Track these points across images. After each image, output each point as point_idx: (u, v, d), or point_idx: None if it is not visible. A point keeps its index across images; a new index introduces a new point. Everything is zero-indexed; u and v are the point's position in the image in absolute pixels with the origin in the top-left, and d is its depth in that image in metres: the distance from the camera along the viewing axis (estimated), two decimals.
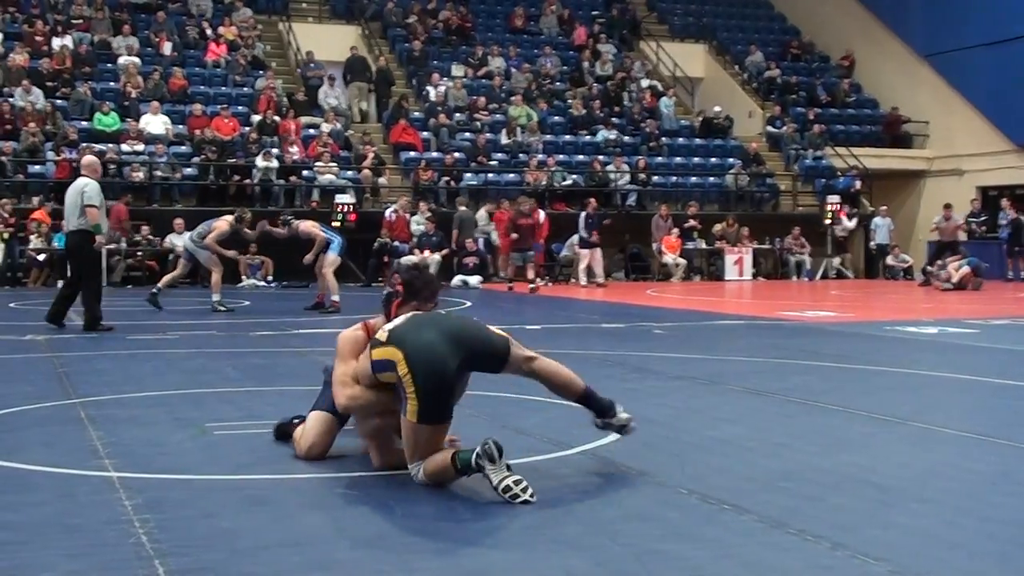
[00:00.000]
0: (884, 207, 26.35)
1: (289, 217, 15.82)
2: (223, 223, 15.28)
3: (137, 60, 25.18)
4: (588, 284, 21.66)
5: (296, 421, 5.75)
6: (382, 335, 4.91)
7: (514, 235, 20.74)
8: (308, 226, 15.28)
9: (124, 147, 22.75)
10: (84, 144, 22.32)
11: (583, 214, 21.85)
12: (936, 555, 3.93)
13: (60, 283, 16.00)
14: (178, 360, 9.76)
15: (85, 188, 11.97)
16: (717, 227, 24.93)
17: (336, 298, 14.87)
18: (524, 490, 4.55)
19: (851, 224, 25.96)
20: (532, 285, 20.12)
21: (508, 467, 4.60)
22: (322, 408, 5.48)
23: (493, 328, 5.04)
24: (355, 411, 5.20)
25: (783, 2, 34.08)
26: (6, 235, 20.08)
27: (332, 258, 14.97)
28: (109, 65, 25.39)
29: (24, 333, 11.66)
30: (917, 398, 7.83)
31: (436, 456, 4.76)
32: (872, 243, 25.75)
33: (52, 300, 12.48)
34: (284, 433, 5.82)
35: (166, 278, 15.77)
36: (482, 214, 23.02)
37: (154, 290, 15.14)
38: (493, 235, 23.00)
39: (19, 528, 4.21)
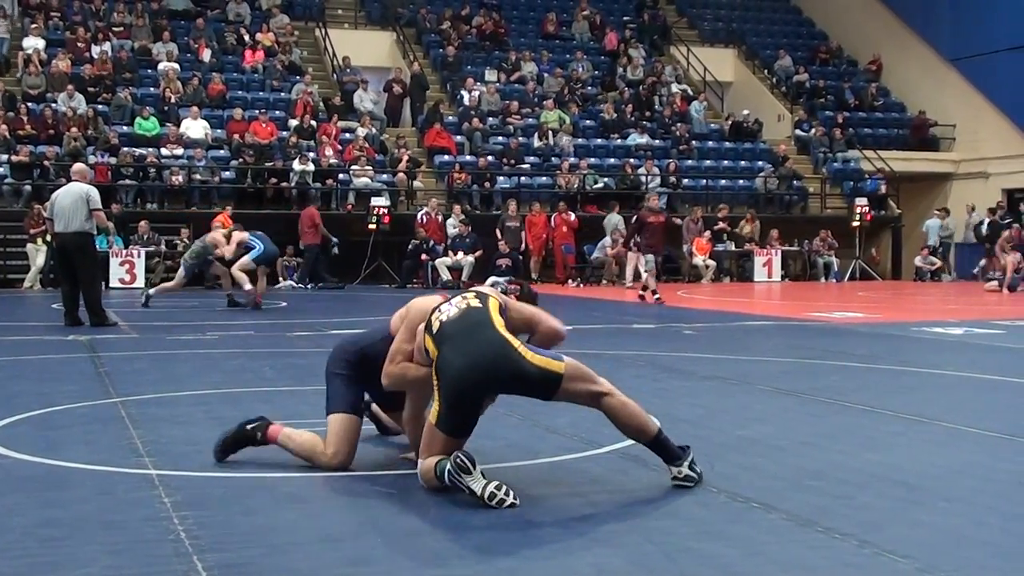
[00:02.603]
0: (938, 210, 26.39)
1: (234, 229, 16.25)
2: (218, 236, 15.93)
3: (176, 66, 25.47)
4: (633, 285, 21.75)
5: (250, 427, 5.32)
6: (435, 322, 4.80)
7: (637, 236, 18.04)
8: (239, 236, 15.73)
9: (164, 151, 23.04)
10: (125, 148, 22.66)
11: (635, 218, 21.85)
12: (963, 553, 3.95)
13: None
14: (217, 360, 9.88)
15: (90, 193, 12.67)
16: (746, 229, 24.96)
17: (257, 296, 15.46)
18: (507, 494, 4.50)
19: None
20: (643, 294, 17.67)
21: (483, 474, 4.55)
22: (339, 410, 5.25)
23: (548, 358, 4.69)
24: (395, 388, 5.15)
25: (811, 7, 34.03)
26: (48, 237, 20.33)
27: (244, 261, 15.50)
28: (149, 71, 25.71)
29: (67, 334, 11.85)
30: (944, 398, 7.86)
31: (428, 461, 4.73)
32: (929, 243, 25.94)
33: (63, 305, 12.91)
34: (235, 442, 5.33)
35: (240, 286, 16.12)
36: (615, 218, 23.00)
37: (229, 294, 15.73)
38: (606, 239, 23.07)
39: (61, 524, 4.27)
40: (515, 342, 4.72)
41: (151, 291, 16.28)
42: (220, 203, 22.53)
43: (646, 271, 17.78)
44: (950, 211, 26.86)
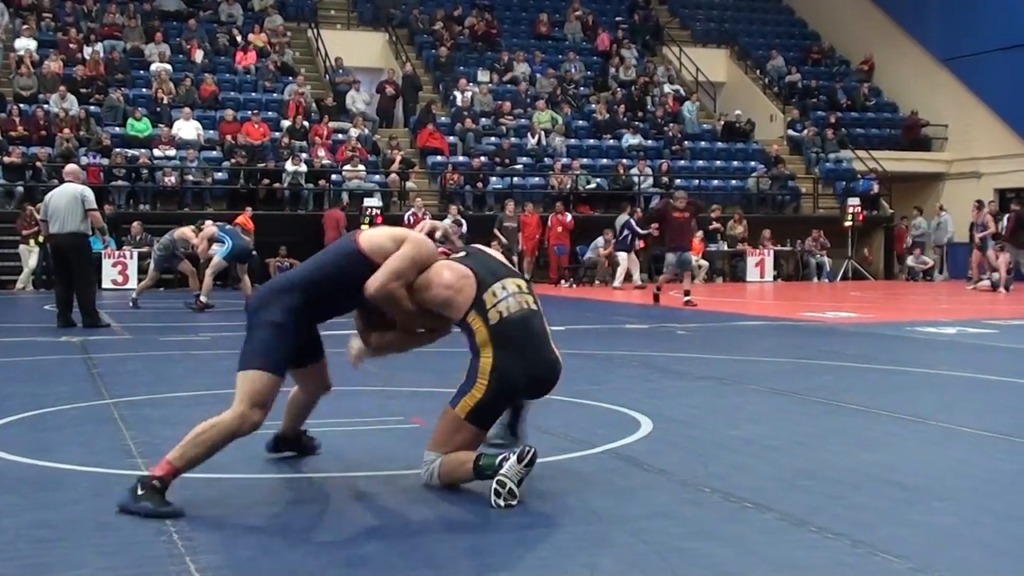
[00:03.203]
0: (943, 208, 26.42)
1: (202, 223, 16.25)
2: (187, 231, 15.83)
3: (168, 67, 25.43)
4: (622, 286, 21.78)
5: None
6: (493, 312, 4.69)
7: (651, 230, 17.19)
8: (209, 231, 15.59)
9: (156, 152, 23.02)
10: (117, 149, 22.64)
11: (627, 219, 21.94)
12: (956, 553, 3.96)
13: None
14: (210, 361, 9.86)
15: (85, 193, 12.64)
16: (737, 229, 25.02)
17: (204, 298, 15.22)
18: (506, 500, 4.47)
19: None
20: (688, 297, 16.34)
21: (520, 481, 4.51)
22: (267, 368, 4.59)
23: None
24: (378, 303, 4.77)
25: (804, 7, 34.08)
26: (41, 238, 20.34)
27: (215, 260, 15.41)
28: (141, 72, 25.66)
29: (59, 335, 11.81)
30: (937, 397, 7.86)
31: (459, 454, 4.69)
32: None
33: (56, 306, 12.87)
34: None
35: (198, 284, 16.14)
36: (624, 218, 23.11)
37: (200, 298, 15.37)
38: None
39: (54, 526, 4.27)
40: (560, 358, 4.87)
41: (134, 294, 16.33)
42: (213, 203, 22.51)
43: (665, 269, 17.35)
44: (922, 210, 26.93)
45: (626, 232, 21.85)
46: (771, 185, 26.63)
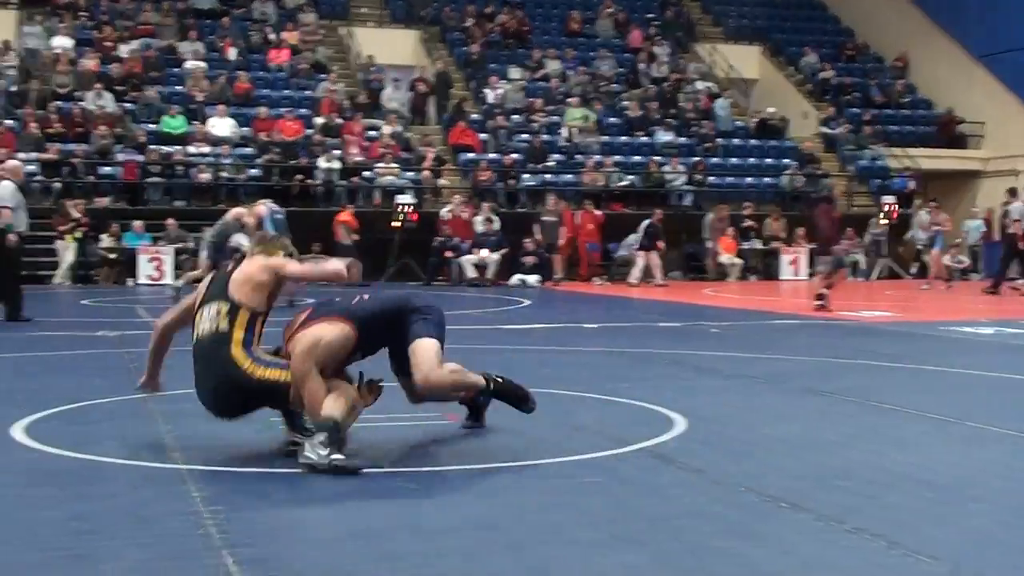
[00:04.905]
0: (975, 208, 26.05)
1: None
2: (242, 210, 15.63)
3: (203, 64, 25.59)
4: (639, 283, 21.69)
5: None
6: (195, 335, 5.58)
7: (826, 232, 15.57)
8: (260, 211, 15.23)
9: (191, 149, 23.18)
10: (152, 146, 22.81)
11: (646, 222, 21.92)
12: (991, 554, 3.94)
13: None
14: None
15: None
16: (774, 225, 24.90)
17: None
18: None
19: None
20: (820, 301, 14.93)
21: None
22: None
23: None
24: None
25: (837, 3, 33.83)
26: (78, 234, 20.56)
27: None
28: (176, 69, 25.83)
29: (96, 329, 11.90)
30: (973, 398, 7.79)
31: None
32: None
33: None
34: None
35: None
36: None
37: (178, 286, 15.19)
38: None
39: (91, 518, 4.31)
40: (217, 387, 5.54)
41: (179, 283, 16.13)
42: (247, 200, 22.60)
43: (818, 272, 15.97)
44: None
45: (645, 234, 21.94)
46: (804, 183, 26.47)
